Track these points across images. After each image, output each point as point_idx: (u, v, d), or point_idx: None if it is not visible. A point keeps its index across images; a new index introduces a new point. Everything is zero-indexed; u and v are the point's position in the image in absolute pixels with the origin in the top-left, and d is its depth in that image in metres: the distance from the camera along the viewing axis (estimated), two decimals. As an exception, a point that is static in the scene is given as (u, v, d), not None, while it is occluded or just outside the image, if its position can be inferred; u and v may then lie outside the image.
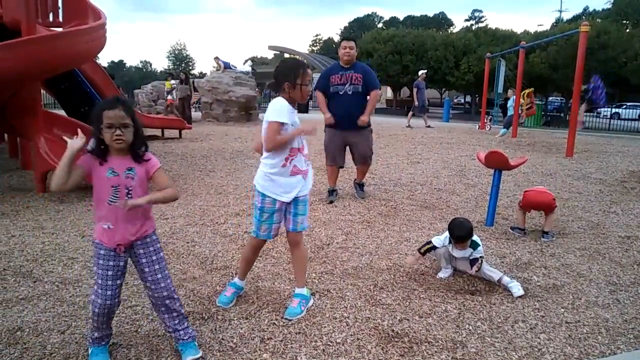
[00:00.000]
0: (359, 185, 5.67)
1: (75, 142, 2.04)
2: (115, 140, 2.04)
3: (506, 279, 3.20)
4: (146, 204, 2.15)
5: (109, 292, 2.18)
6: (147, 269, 2.22)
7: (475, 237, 3.35)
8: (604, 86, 11.71)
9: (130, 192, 2.12)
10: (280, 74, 2.71)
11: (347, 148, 5.47)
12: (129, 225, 2.15)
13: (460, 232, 3.28)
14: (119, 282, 2.22)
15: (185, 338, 2.32)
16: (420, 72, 16.11)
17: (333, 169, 5.52)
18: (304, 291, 2.89)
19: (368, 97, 5.24)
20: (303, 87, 2.68)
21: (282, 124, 2.61)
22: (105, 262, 2.17)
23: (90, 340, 2.30)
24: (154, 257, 2.24)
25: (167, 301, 2.26)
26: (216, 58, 16.94)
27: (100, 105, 2.08)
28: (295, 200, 2.77)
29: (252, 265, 3.08)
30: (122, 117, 2.03)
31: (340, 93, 5.16)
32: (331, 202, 5.37)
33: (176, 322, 2.31)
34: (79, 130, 2.10)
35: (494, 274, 3.25)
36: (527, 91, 13.06)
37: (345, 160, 5.56)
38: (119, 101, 2.09)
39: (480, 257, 3.28)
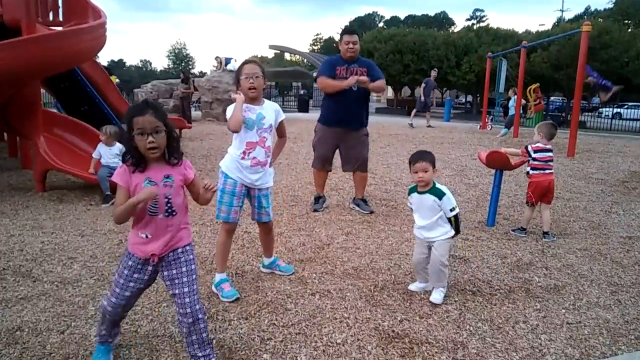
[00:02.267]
0: (362, 201, 5.12)
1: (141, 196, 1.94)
2: (149, 150, 1.93)
3: (436, 283, 2.99)
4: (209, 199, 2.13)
5: (123, 302, 2.13)
6: (177, 280, 2.07)
7: (440, 185, 2.99)
8: (598, 74, 11.84)
9: (170, 200, 2.04)
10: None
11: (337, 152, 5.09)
12: (167, 235, 2.06)
13: (419, 153, 2.99)
14: (136, 293, 2.15)
15: None
16: (432, 71, 16.16)
17: (321, 173, 5.12)
18: (274, 257, 3.40)
19: (369, 94, 4.99)
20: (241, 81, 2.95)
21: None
22: (131, 273, 2.09)
23: (98, 337, 2.28)
24: (184, 269, 2.09)
25: (191, 319, 2.05)
26: (217, 57, 16.92)
27: (129, 112, 1.97)
28: (259, 194, 3.07)
29: (227, 255, 3.18)
30: (153, 121, 1.93)
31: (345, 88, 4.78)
32: (315, 210, 4.96)
33: (196, 346, 2.09)
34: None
35: (442, 272, 2.96)
36: (532, 87, 13.01)
37: (332, 163, 5.18)
38: (148, 105, 1.98)
39: (453, 213, 2.95)
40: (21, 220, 4.54)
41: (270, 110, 3.05)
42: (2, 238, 4.00)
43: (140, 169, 1.99)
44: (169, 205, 2.03)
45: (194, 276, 2.12)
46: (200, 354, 2.11)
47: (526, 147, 4.33)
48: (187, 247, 2.13)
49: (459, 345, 2.49)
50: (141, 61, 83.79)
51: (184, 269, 2.09)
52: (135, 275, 2.11)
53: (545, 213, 4.32)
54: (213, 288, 3.05)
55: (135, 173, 1.99)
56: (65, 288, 3.07)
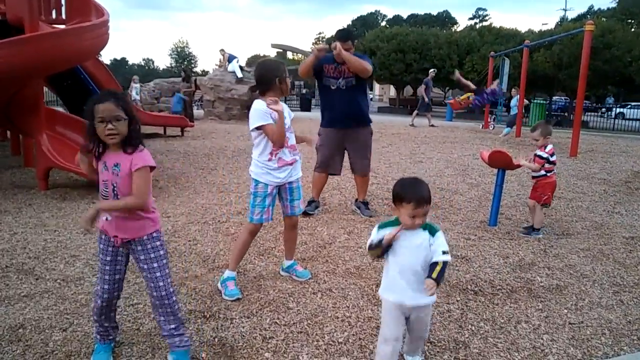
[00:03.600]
0: (363, 204, 4.96)
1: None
2: (107, 135, 1.99)
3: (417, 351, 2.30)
4: (103, 211, 2.08)
5: (105, 286, 2.20)
6: (145, 266, 2.18)
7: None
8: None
9: (115, 188, 2.07)
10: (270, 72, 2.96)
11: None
12: (126, 220, 2.11)
13: (422, 190, 2.03)
14: (117, 277, 2.22)
15: (179, 345, 2.24)
16: (430, 71, 16.15)
17: (320, 176, 4.93)
18: (293, 260, 3.35)
19: (365, 91, 4.78)
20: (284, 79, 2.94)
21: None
22: (104, 256, 2.19)
23: (98, 337, 2.29)
24: (152, 255, 2.18)
25: (166, 301, 2.19)
26: (222, 50, 16.87)
27: (92, 100, 2.03)
28: (290, 186, 3.08)
29: (244, 254, 3.23)
30: (113, 109, 1.98)
31: (333, 87, 4.60)
32: (305, 213, 4.63)
33: (172, 326, 2.23)
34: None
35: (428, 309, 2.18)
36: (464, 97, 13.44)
37: (341, 168, 4.99)
38: (110, 94, 2.05)
39: (444, 261, 2.03)
40: (24, 218, 4.56)
41: (286, 110, 3.00)
42: (5, 236, 4.02)
43: (97, 157, 2.09)
44: (114, 192, 2.09)
45: (164, 261, 2.22)
46: (175, 333, 2.24)
47: (540, 156, 4.25)
48: (154, 234, 2.20)
49: (460, 345, 2.49)
50: (144, 60, 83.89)
51: (151, 255, 2.19)
52: (108, 258, 2.19)
53: (540, 211, 4.35)
54: (218, 284, 3.06)
55: (95, 156, 2.10)
56: (68, 286, 3.08)
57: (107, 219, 2.13)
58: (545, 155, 4.26)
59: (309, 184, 5.22)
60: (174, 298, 2.24)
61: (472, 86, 13.16)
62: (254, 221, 3.03)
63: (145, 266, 2.18)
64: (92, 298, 2.26)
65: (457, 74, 14.73)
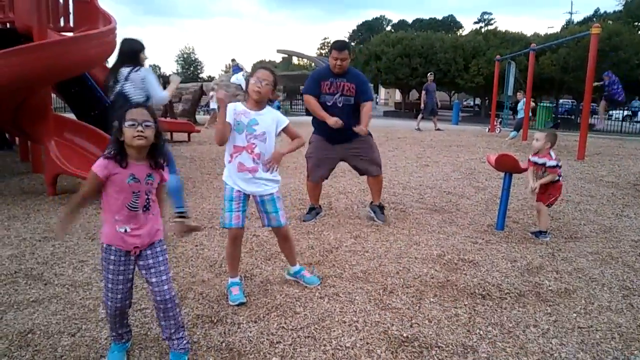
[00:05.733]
0: (379, 208, 4.84)
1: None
2: (136, 137, 2.06)
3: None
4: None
5: (119, 296, 2.21)
6: (153, 270, 2.22)
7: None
8: (619, 80, 11.55)
9: (149, 197, 2.19)
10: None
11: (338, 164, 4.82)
12: (146, 228, 2.19)
13: None
14: (129, 285, 2.25)
15: (177, 348, 2.29)
16: (428, 75, 16.15)
17: (314, 184, 4.83)
18: (301, 266, 3.32)
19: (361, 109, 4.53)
20: (250, 80, 2.96)
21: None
22: (116, 267, 2.19)
23: (112, 337, 2.34)
24: (161, 258, 2.25)
25: (169, 305, 2.24)
26: (233, 60, 17.01)
27: (125, 107, 2.14)
28: (261, 199, 3.03)
29: (239, 260, 3.20)
30: (145, 114, 2.09)
31: (329, 104, 4.48)
32: (304, 220, 4.71)
33: (172, 330, 2.28)
34: None
35: None
36: None
37: (329, 175, 4.92)
38: (142, 105, 2.20)
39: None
40: (32, 223, 4.59)
41: (267, 119, 2.97)
42: (14, 241, 4.05)
43: (124, 165, 2.11)
44: (147, 201, 2.18)
45: (168, 265, 2.29)
46: (174, 337, 2.29)
47: (552, 166, 4.19)
48: (162, 239, 2.29)
49: (469, 349, 2.47)
50: (150, 66, 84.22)
51: (160, 259, 2.25)
52: (122, 267, 2.20)
53: (546, 213, 4.38)
54: (225, 290, 3.08)
55: (120, 167, 2.12)
56: (76, 291, 3.10)
57: (125, 231, 2.16)
58: (540, 162, 4.25)
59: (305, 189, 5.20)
60: (176, 301, 2.29)
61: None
62: (224, 226, 3.03)
63: (153, 270, 2.22)
64: (106, 308, 2.26)
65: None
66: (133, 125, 2.05)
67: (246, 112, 2.96)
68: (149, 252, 2.22)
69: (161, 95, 4.49)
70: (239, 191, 2.98)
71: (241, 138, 2.93)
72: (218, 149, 10.21)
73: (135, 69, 4.30)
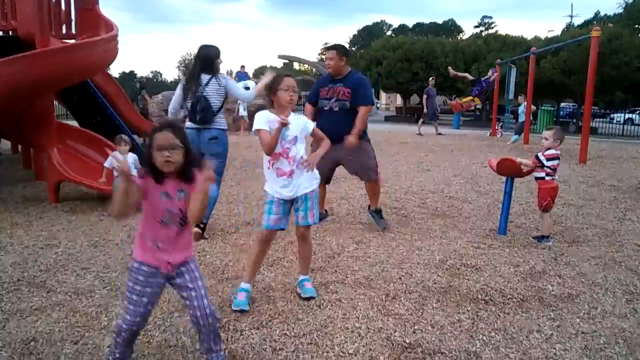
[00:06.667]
0: (376, 213, 4.79)
1: (123, 162, 2.03)
2: (165, 162, 2.05)
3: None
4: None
5: (138, 319, 2.16)
6: (191, 285, 2.18)
7: None
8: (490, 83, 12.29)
9: (183, 212, 2.15)
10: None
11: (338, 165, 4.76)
12: (180, 244, 2.17)
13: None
14: (150, 308, 2.20)
15: None
16: (429, 79, 16.20)
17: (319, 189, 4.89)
18: (308, 277, 3.29)
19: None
20: (279, 92, 3.00)
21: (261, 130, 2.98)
22: (142, 287, 2.13)
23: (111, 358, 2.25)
24: (197, 274, 2.21)
25: (210, 319, 2.19)
26: (242, 67, 17.17)
27: (153, 130, 2.14)
28: (298, 197, 3.07)
29: (260, 265, 3.26)
30: (171, 138, 2.07)
31: (325, 109, 4.54)
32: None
33: (213, 343, 2.25)
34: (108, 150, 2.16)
35: None
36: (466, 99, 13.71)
37: (331, 177, 4.91)
38: (168, 124, 2.16)
39: None
40: (35, 231, 4.60)
41: (295, 123, 3.03)
42: (16, 249, 4.05)
43: (159, 182, 2.11)
44: (181, 217, 2.14)
45: (203, 279, 2.27)
46: (214, 349, 2.26)
47: (537, 157, 4.28)
48: (193, 255, 2.28)
49: (472, 355, 2.47)
50: (152, 72, 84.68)
51: (196, 274, 2.22)
52: (149, 289, 2.14)
53: (548, 218, 4.35)
54: (232, 293, 3.10)
55: (154, 183, 2.11)
56: (79, 298, 3.10)
57: (157, 246, 2.13)
58: (541, 158, 4.25)
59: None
60: (217, 316, 2.28)
61: (469, 77, 13.08)
62: (263, 227, 3.08)
63: (191, 285, 2.18)
64: (115, 329, 2.20)
65: (450, 70, 14.77)
66: (160, 150, 2.04)
67: (277, 120, 2.97)
68: (183, 269, 2.18)
69: (246, 95, 4.73)
70: (278, 198, 3.05)
71: (277, 145, 2.98)
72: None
73: (215, 77, 4.44)
